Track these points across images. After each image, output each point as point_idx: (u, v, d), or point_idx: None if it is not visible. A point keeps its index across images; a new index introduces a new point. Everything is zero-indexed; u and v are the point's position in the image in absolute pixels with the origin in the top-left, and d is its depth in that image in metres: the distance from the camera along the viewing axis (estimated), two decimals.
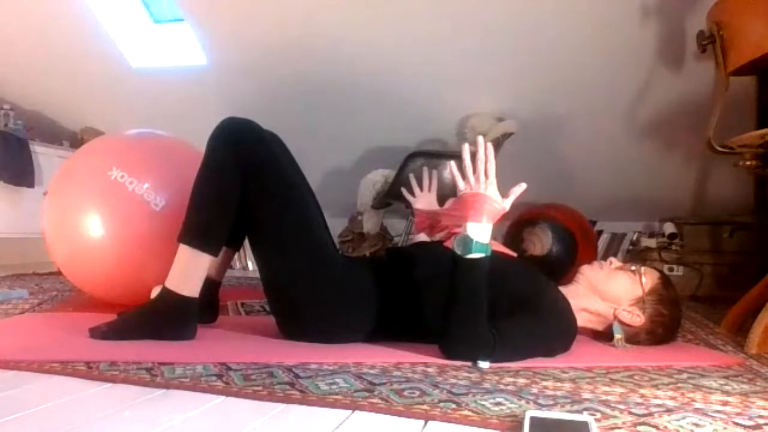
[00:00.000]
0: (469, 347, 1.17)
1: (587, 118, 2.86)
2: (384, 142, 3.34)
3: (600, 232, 3.27)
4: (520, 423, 0.81)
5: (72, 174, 1.77)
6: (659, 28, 2.40)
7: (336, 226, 3.37)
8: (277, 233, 1.33)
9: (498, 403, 0.92)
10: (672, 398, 0.98)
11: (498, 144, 2.73)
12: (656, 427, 0.83)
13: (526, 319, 1.24)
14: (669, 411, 0.91)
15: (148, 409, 0.89)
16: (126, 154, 1.74)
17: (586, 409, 0.90)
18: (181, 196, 1.43)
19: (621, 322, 1.40)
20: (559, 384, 1.05)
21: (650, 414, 0.89)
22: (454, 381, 1.05)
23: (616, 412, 0.89)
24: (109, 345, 1.26)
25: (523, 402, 0.93)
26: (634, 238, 3.21)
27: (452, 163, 1.24)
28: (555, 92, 2.79)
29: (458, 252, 1.17)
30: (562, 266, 2.49)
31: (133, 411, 0.88)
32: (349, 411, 0.88)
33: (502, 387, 1.02)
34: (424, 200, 1.66)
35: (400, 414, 0.87)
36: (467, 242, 1.16)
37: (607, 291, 1.41)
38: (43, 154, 3.42)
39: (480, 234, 1.17)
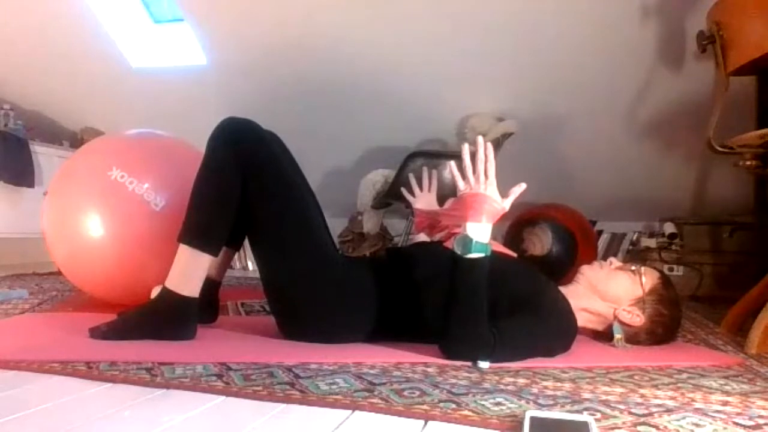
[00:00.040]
0: (469, 347, 1.17)
1: (587, 118, 2.86)
2: (384, 142, 3.34)
3: (600, 232, 3.27)
4: (520, 423, 0.81)
5: (72, 174, 1.77)
6: (659, 28, 2.40)
7: (336, 226, 3.37)
8: (277, 233, 1.33)
9: (498, 403, 0.92)
10: (672, 398, 0.99)
11: (498, 144, 2.73)
12: (656, 427, 0.83)
13: (526, 319, 1.24)
14: (669, 411, 0.91)
15: (148, 409, 0.89)
16: (126, 154, 1.74)
17: (586, 409, 0.90)
18: (181, 196, 1.43)
19: (621, 322, 1.40)
20: (559, 384, 1.05)
21: (650, 414, 0.89)
22: (454, 381, 1.05)
23: (616, 412, 0.89)
24: (109, 345, 1.26)
25: (523, 402, 0.93)
26: (634, 238, 3.21)
27: (452, 163, 1.24)
28: (555, 92, 2.79)
29: (458, 252, 1.17)
30: (562, 266, 2.49)
31: (133, 411, 0.88)
32: (349, 411, 0.88)
33: (502, 387, 1.02)
34: (424, 200, 1.66)
35: (400, 414, 0.87)
36: (467, 242, 1.16)
37: (607, 291, 1.41)
38: (43, 154, 3.42)
39: (480, 234, 1.17)
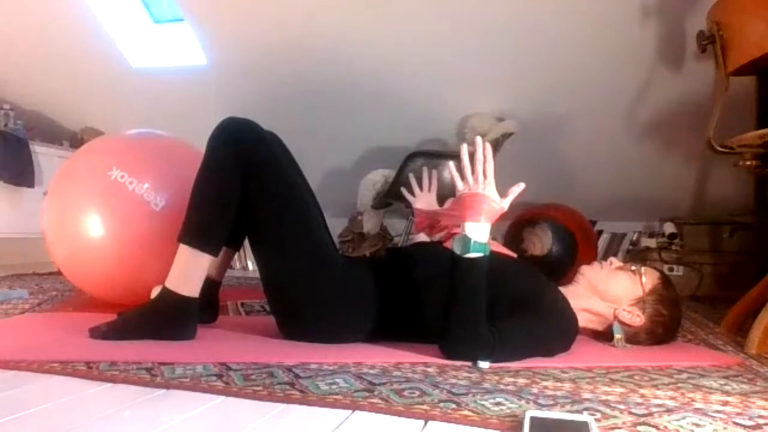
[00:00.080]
0: (469, 347, 1.17)
1: (587, 118, 2.86)
2: (384, 142, 3.34)
3: (600, 232, 3.27)
4: (520, 423, 0.81)
5: (72, 174, 1.77)
6: (659, 28, 2.40)
7: (336, 226, 3.37)
8: (277, 233, 1.33)
9: (498, 403, 0.92)
10: (672, 398, 0.99)
11: (498, 144, 2.73)
12: (656, 427, 0.83)
13: (526, 319, 1.24)
14: (669, 411, 0.91)
15: (148, 409, 0.89)
16: (126, 154, 1.74)
17: (586, 409, 0.90)
18: (181, 196, 1.43)
19: (621, 322, 1.40)
20: (559, 384, 1.05)
21: (650, 414, 0.89)
22: (454, 381, 1.05)
23: (616, 412, 0.89)
24: (109, 345, 1.26)
25: (523, 402, 0.93)
26: (634, 238, 3.21)
27: (451, 164, 1.25)
28: (555, 92, 2.79)
29: (457, 252, 1.17)
30: (562, 266, 2.49)
31: (133, 411, 0.88)
32: (349, 411, 0.88)
33: (502, 387, 1.02)
34: (424, 200, 1.66)
35: (400, 414, 0.87)
36: (466, 242, 1.16)
37: (607, 291, 1.41)
38: (43, 154, 3.42)
39: (478, 234, 1.17)
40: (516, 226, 2.79)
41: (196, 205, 1.34)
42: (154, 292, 1.40)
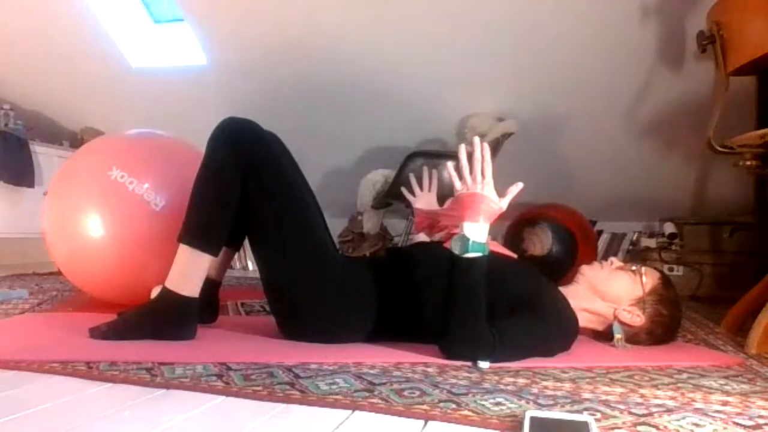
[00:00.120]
0: (469, 347, 1.17)
1: (587, 118, 2.86)
2: (384, 142, 3.34)
3: (600, 232, 3.27)
4: (520, 423, 0.81)
5: (72, 174, 1.77)
6: (659, 28, 2.40)
7: (336, 226, 3.37)
8: (277, 233, 1.33)
9: (498, 403, 0.92)
10: (672, 398, 0.98)
11: (498, 144, 2.73)
12: (656, 427, 0.83)
13: (526, 319, 1.24)
14: (669, 411, 0.91)
15: (148, 409, 0.89)
16: (126, 154, 1.74)
17: (586, 409, 0.90)
18: (181, 196, 1.43)
19: (621, 322, 1.40)
20: (559, 384, 1.05)
21: (650, 414, 0.89)
22: (454, 381, 1.05)
23: (616, 412, 0.89)
24: (109, 345, 1.26)
25: (523, 402, 0.93)
26: (634, 238, 3.21)
27: (449, 164, 1.25)
28: (555, 92, 2.79)
29: (455, 252, 1.17)
30: (562, 266, 2.49)
31: (133, 411, 0.88)
32: (349, 411, 0.88)
33: (502, 387, 1.02)
34: (424, 200, 1.66)
35: (400, 414, 0.87)
36: (464, 242, 1.16)
37: (607, 291, 1.41)
38: (43, 154, 3.42)
39: (477, 234, 1.17)
40: (516, 226, 2.79)
41: (196, 205, 1.34)
42: (154, 292, 1.40)
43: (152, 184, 1.67)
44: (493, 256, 1.20)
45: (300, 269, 1.32)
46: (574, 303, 1.34)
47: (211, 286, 1.48)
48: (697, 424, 0.85)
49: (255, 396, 0.94)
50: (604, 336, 1.44)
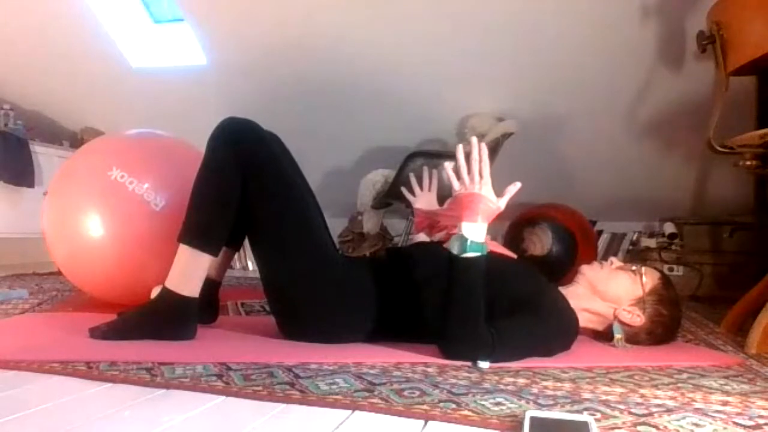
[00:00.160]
0: (468, 347, 1.17)
1: (587, 118, 2.86)
2: (384, 142, 3.34)
3: (600, 232, 3.27)
4: (520, 423, 0.81)
5: (72, 174, 1.77)
6: (659, 28, 2.40)
7: (336, 226, 3.37)
8: (277, 233, 1.33)
9: (498, 403, 0.92)
10: (672, 398, 0.99)
11: (498, 144, 2.73)
12: (656, 427, 0.83)
13: (526, 319, 1.24)
14: (669, 411, 0.91)
15: (148, 409, 0.89)
16: (126, 154, 1.74)
17: (586, 409, 0.90)
18: (181, 196, 1.43)
19: (621, 322, 1.40)
20: (559, 384, 1.05)
21: (650, 414, 0.89)
22: (454, 381, 1.05)
23: (616, 412, 0.89)
24: (109, 345, 1.26)
25: (523, 402, 0.93)
26: (634, 238, 3.21)
27: (447, 164, 1.24)
28: (555, 92, 2.79)
29: (454, 252, 1.17)
30: (562, 266, 2.49)
31: (133, 411, 0.88)
32: (349, 411, 0.88)
33: (502, 387, 1.02)
34: (424, 200, 1.66)
35: (400, 414, 0.87)
36: (463, 242, 1.16)
37: (607, 291, 1.41)
38: (43, 154, 3.42)
39: (475, 233, 1.17)
40: (516, 226, 2.79)
41: (196, 205, 1.34)
42: (154, 292, 1.40)
43: (152, 184, 1.67)
44: (492, 257, 1.20)
45: (300, 269, 1.32)
46: (574, 303, 1.34)
47: (211, 286, 1.48)
48: (697, 424, 0.85)
49: (255, 396, 0.94)
50: (604, 336, 1.44)
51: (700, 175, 2.98)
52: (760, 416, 0.90)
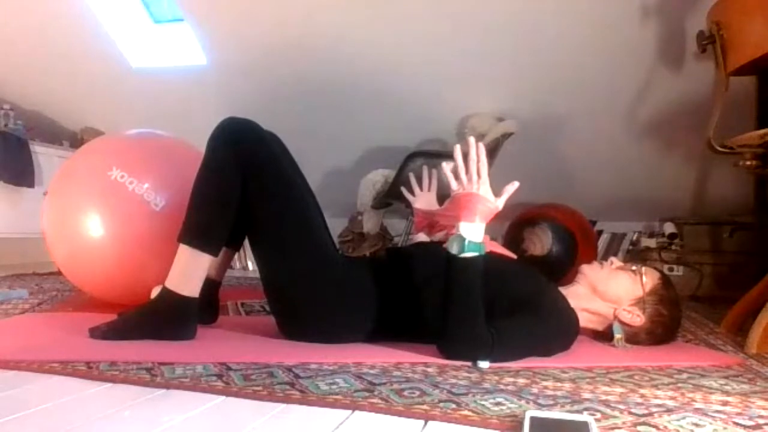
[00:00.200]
0: (467, 347, 1.17)
1: (587, 118, 2.86)
2: (384, 142, 3.34)
3: (600, 232, 3.27)
4: (520, 423, 0.81)
5: (72, 174, 1.77)
6: (659, 28, 2.40)
7: (336, 226, 3.37)
8: (277, 233, 1.33)
9: (498, 403, 0.92)
10: (672, 398, 0.99)
11: (498, 144, 2.73)
12: (656, 427, 0.83)
13: (526, 319, 1.24)
14: (669, 411, 0.91)
15: (148, 409, 0.89)
16: (126, 154, 1.74)
17: (586, 409, 0.90)
18: (181, 196, 1.43)
19: (621, 322, 1.40)
20: (559, 384, 1.05)
21: (650, 414, 0.89)
22: (454, 381, 1.05)
23: (616, 412, 0.89)
24: (109, 345, 1.26)
25: (523, 402, 0.93)
26: (634, 238, 3.21)
27: (444, 164, 1.24)
28: (555, 92, 2.79)
29: (452, 252, 1.17)
30: (562, 266, 2.49)
31: (133, 411, 0.88)
32: (349, 411, 0.88)
33: (502, 387, 1.02)
34: (423, 199, 1.66)
35: (400, 414, 0.87)
36: (461, 242, 1.16)
37: (607, 291, 1.41)
38: (43, 154, 3.42)
39: (473, 233, 1.17)
40: (516, 226, 2.79)
41: (196, 205, 1.34)
42: (154, 292, 1.40)
43: (152, 184, 1.67)
44: (492, 257, 1.20)
45: (300, 269, 1.32)
46: (574, 303, 1.35)
47: (211, 286, 1.48)
48: (697, 424, 0.85)
49: (255, 396, 0.94)
50: (604, 336, 1.44)
51: (700, 175, 2.98)
52: (760, 416, 0.90)
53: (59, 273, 1.94)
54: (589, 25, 2.46)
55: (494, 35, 2.61)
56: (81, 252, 1.68)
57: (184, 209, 1.34)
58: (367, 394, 0.95)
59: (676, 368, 1.23)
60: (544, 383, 1.05)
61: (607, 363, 1.24)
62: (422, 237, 1.67)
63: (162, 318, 1.32)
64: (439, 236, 1.60)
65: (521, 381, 1.07)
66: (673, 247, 2.89)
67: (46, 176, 3.35)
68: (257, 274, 1.41)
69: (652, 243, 2.99)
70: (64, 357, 1.14)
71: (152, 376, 1.03)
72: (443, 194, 1.63)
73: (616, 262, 1.47)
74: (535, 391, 1.00)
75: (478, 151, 1.20)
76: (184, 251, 1.32)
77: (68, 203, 1.71)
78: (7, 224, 3.21)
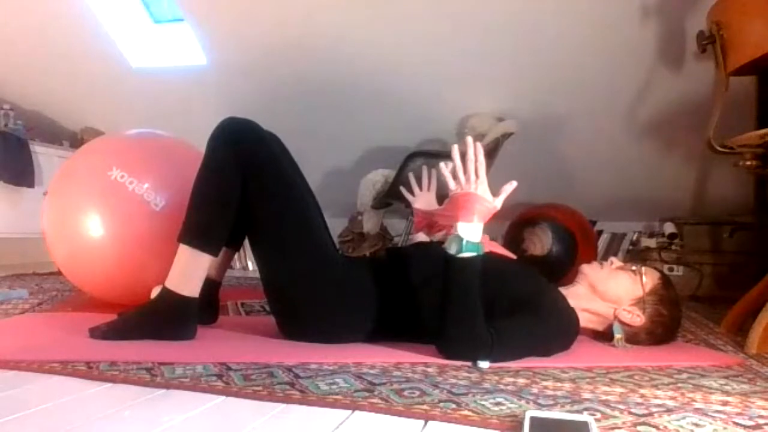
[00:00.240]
0: (466, 347, 1.17)
1: (587, 118, 2.86)
2: (384, 142, 3.34)
3: (600, 232, 3.27)
4: (520, 423, 0.81)
5: (72, 174, 1.77)
6: (659, 28, 2.40)
7: (336, 226, 3.37)
8: (277, 233, 1.33)
9: (498, 403, 0.92)
10: (672, 398, 0.99)
11: (498, 144, 2.73)
12: (656, 427, 0.83)
13: (525, 319, 1.24)
14: (669, 411, 0.91)
15: (148, 409, 0.89)
16: (126, 154, 1.74)
17: (586, 409, 0.90)
18: (181, 196, 1.43)
19: (621, 322, 1.40)
20: (559, 384, 1.05)
21: (650, 414, 0.89)
22: (454, 381, 1.05)
23: (616, 412, 0.89)
24: (109, 345, 1.26)
25: (523, 402, 0.93)
26: (634, 238, 3.21)
27: (442, 164, 1.24)
28: (555, 92, 2.79)
29: (450, 252, 1.17)
30: (562, 266, 2.49)
31: (133, 411, 0.88)
32: (349, 411, 0.88)
33: (502, 387, 1.02)
34: (423, 199, 1.66)
35: (400, 414, 0.87)
36: (458, 242, 1.16)
37: (608, 291, 1.41)
38: (43, 154, 3.42)
39: (471, 233, 1.17)
40: (516, 226, 2.79)
41: (196, 205, 1.34)
42: (154, 292, 1.40)
43: (152, 184, 1.67)
44: (492, 257, 1.20)
45: (300, 269, 1.32)
46: (574, 303, 1.35)
47: (211, 287, 1.48)
48: (697, 424, 0.85)
49: (255, 396, 0.94)
50: (604, 336, 1.44)
51: (700, 175, 2.98)
52: (760, 416, 0.90)
53: (59, 273, 1.94)
54: (589, 25, 2.46)
55: (494, 35, 2.61)
56: (81, 252, 1.68)
57: (184, 209, 1.34)
58: (367, 394, 0.95)
59: (676, 368, 1.23)
60: (544, 383, 1.05)
61: (607, 363, 1.24)
62: (422, 237, 1.67)
63: (162, 318, 1.32)
64: (438, 236, 1.60)
65: (521, 381, 1.07)
66: (673, 247, 2.89)
67: (46, 176, 3.35)
68: (257, 274, 1.41)
69: (652, 243, 2.99)
70: (64, 357, 1.14)
71: (152, 376, 1.03)
72: (443, 194, 1.64)
73: (616, 262, 1.47)
74: (535, 391, 1.00)
75: (475, 151, 1.20)
76: (184, 251, 1.32)
77: (68, 203, 1.71)
78: (7, 224, 3.21)
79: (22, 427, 0.81)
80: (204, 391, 0.97)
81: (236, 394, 0.95)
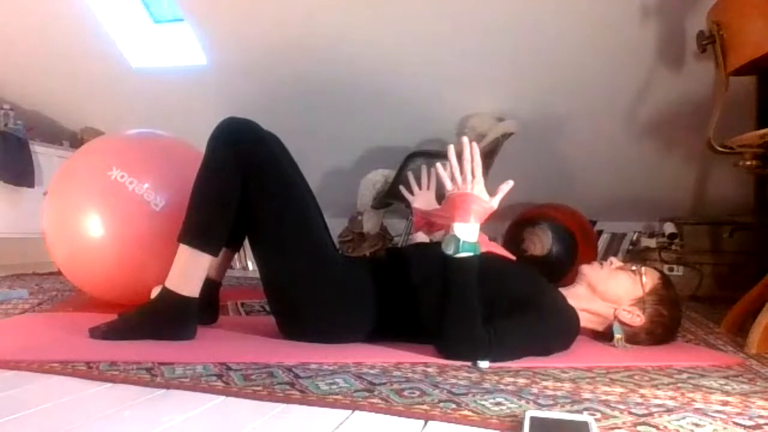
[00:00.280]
0: (464, 347, 1.18)
1: (587, 118, 2.86)
2: (384, 142, 3.34)
3: (600, 232, 3.27)
4: (520, 423, 0.81)
5: (72, 174, 1.77)
6: (659, 28, 2.40)
7: (336, 226, 3.38)
8: (277, 233, 1.33)
9: (498, 403, 0.92)
10: (672, 398, 0.99)
11: (498, 144, 2.73)
12: (656, 427, 0.83)
13: (525, 318, 1.24)
14: (669, 411, 0.91)
15: (148, 409, 0.89)
16: (126, 154, 1.74)
17: (586, 409, 0.90)
18: (181, 196, 1.43)
19: (621, 322, 1.40)
20: (559, 384, 1.05)
21: (650, 414, 0.89)
22: (454, 381, 1.05)
23: (616, 412, 0.89)
24: (109, 345, 1.26)
25: (523, 402, 0.93)
26: (634, 238, 3.21)
27: (438, 165, 1.24)
28: (555, 92, 2.79)
29: (447, 252, 1.17)
30: (562, 266, 2.49)
31: (133, 411, 0.88)
32: (349, 411, 0.88)
33: (502, 387, 1.02)
34: (422, 199, 1.66)
35: (400, 414, 0.87)
36: (455, 242, 1.16)
37: (607, 291, 1.41)
38: (43, 154, 3.42)
39: (468, 234, 1.17)
40: (516, 226, 2.79)
41: (196, 205, 1.34)
42: (154, 292, 1.40)
43: (152, 184, 1.67)
44: (491, 257, 1.20)
45: (300, 269, 1.32)
46: (574, 303, 1.34)
47: (211, 287, 1.48)
48: (697, 424, 0.85)
49: (255, 396, 0.94)
50: (604, 336, 1.44)
51: (700, 175, 2.98)
52: (760, 416, 0.90)
53: (59, 273, 1.94)
54: (589, 25, 2.46)
55: (494, 35, 2.61)
56: (81, 252, 1.68)
57: (184, 209, 1.34)
58: (367, 394, 0.95)
59: (676, 368, 1.23)
60: (544, 383, 1.05)
61: (607, 363, 1.24)
62: (422, 237, 1.67)
63: (162, 318, 1.32)
64: (438, 236, 1.60)
65: (521, 381, 1.07)
66: (673, 247, 2.89)
67: (46, 176, 3.35)
68: (257, 274, 1.41)
69: (652, 243, 2.99)
70: (64, 357, 1.14)
71: (152, 376, 1.03)
72: (442, 193, 1.64)
73: (615, 262, 1.47)
74: (535, 391, 1.00)
75: (471, 151, 1.20)
76: (184, 251, 1.32)
77: (68, 203, 1.71)
78: (7, 224, 3.21)
79: (22, 427, 0.81)
80: (204, 391, 0.97)
81: (236, 394, 0.95)
